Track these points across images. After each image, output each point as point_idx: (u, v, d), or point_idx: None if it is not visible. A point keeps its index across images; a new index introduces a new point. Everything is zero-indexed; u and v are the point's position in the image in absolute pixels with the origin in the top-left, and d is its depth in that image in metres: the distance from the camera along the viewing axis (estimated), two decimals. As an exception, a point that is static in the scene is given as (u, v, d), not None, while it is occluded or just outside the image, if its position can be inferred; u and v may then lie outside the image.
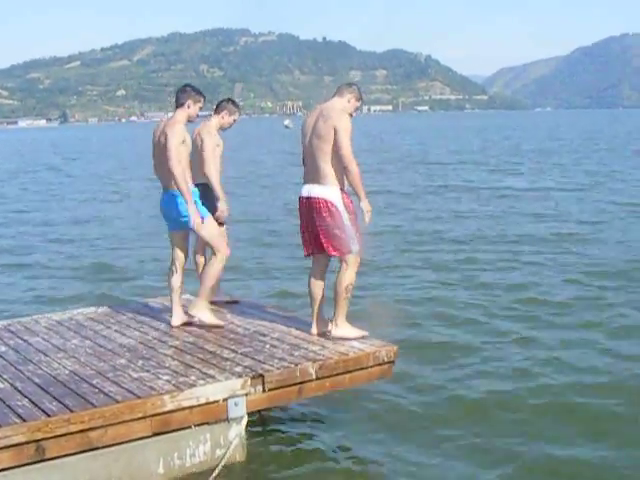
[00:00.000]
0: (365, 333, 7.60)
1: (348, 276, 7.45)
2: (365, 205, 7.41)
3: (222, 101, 9.09)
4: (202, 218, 7.86)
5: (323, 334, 7.63)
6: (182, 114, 7.99)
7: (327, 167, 7.32)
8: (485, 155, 50.13)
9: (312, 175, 7.46)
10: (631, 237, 17.91)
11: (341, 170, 7.33)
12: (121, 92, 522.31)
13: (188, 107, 8.00)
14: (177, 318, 8.36)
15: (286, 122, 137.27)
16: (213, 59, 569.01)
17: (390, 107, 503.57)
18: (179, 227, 8.14)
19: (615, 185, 29.56)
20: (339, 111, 7.40)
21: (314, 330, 7.72)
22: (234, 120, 8.96)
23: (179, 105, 8.01)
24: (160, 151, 7.91)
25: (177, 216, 8.03)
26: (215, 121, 8.83)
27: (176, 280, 8.30)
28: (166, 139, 7.74)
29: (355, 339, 7.46)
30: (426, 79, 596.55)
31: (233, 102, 9.09)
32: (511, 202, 25.01)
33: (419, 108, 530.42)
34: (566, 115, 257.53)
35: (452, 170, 38.53)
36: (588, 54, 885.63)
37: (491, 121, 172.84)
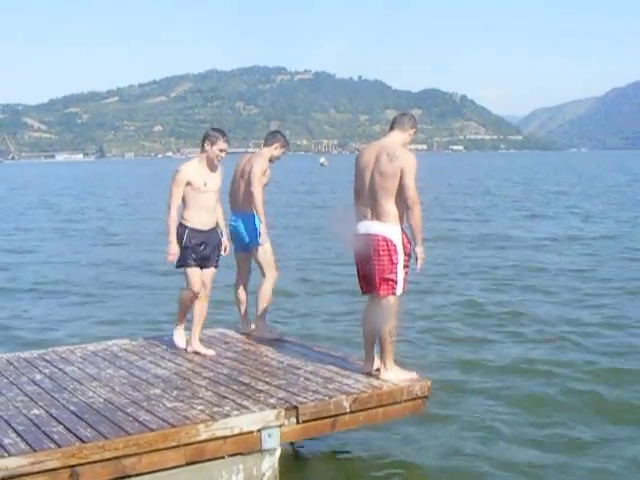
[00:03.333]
0: (414, 375, 7.49)
1: (389, 318, 7.34)
2: (419, 250, 7.29)
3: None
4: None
5: (369, 373, 7.52)
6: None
7: (389, 205, 7.19)
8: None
9: (371, 212, 7.31)
10: None
11: (402, 210, 7.21)
12: (158, 128, 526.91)
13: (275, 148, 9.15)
14: (244, 327, 9.49)
15: (321, 160, 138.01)
16: (249, 96, 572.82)
17: (425, 146, 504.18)
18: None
19: None
20: (405, 151, 7.28)
21: (366, 369, 7.61)
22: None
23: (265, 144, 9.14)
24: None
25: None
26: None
27: (242, 294, 9.42)
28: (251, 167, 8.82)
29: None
30: (461, 119, 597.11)
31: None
32: None
33: (454, 147, 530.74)
34: (604, 156, 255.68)
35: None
36: (623, 95, 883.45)
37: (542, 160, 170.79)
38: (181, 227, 8.38)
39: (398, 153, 7.18)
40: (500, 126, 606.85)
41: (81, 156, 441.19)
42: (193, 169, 8.35)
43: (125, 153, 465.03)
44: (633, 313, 13.95)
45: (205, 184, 8.30)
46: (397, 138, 7.43)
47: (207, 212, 8.42)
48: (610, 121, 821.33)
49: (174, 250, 8.37)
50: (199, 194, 8.32)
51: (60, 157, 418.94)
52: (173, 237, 8.34)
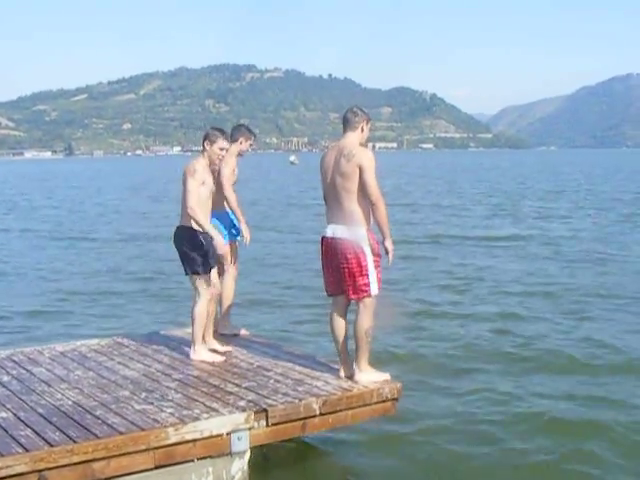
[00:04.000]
0: (388, 376, 7.51)
1: (367, 320, 7.34)
2: (389, 244, 7.30)
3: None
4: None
5: (351, 377, 7.50)
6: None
7: (353, 206, 7.20)
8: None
9: (337, 215, 7.33)
10: None
11: (367, 208, 7.21)
12: (127, 125, 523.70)
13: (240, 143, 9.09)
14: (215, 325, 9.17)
15: (291, 158, 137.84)
16: (219, 94, 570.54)
17: (395, 144, 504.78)
18: None
19: None
20: (361, 148, 7.30)
21: (342, 373, 7.58)
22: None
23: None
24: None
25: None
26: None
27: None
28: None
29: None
30: (431, 117, 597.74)
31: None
32: None
33: (423, 146, 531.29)
34: (572, 154, 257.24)
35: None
36: (593, 93, 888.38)
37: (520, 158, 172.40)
38: (194, 232, 8.18)
39: (354, 152, 7.20)
40: (470, 124, 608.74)
41: (49, 154, 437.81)
42: (205, 169, 8.26)
43: (94, 151, 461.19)
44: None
45: (211, 185, 8.32)
46: (352, 138, 7.41)
47: (209, 213, 8.37)
48: (579, 120, 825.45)
49: (223, 240, 8.37)
50: (209, 195, 8.27)
51: (28, 154, 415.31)
52: (215, 232, 8.26)
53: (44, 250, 24.71)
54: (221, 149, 8.32)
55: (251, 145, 9.22)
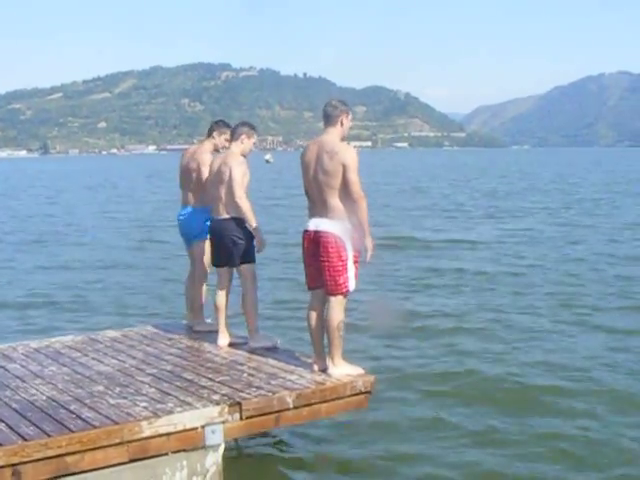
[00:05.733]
0: (361, 370, 7.53)
1: (338, 314, 7.36)
2: (369, 242, 7.29)
3: (238, 126, 8.66)
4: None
5: (324, 370, 7.52)
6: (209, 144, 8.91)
7: (335, 202, 7.23)
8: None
9: (319, 209, 7.35)
10: None
11: (349, 205, 7.22)
12: (102, 124, 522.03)
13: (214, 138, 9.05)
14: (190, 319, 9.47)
15: (267, 157, 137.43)
16: (194, 93, 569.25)
17: (369, 143, 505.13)
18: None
19: None
20: (344, 146, 7.31)
21: (315, 367, 7.61)
22: (253, 143, 8.67)
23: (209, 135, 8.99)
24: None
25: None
26: (234, 147, 8.49)
27: (191, 288, 9.40)
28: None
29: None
30: (405, 116, 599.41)
31: (249, 124, 8.76)
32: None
33: (398, 144, 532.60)
34: (545, 154, 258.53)
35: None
36: (565, 93, 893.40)
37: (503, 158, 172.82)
38: (244, 222, 8.23)
39: (337, 149, 7.22)
40: (444, 123, 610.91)
41: (24, 152, 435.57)
42: None
43: (69, 149, 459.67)
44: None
45: None
46: (333, 134, 7.41)
47: None
48: (552, 119, 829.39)
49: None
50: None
51: (3, 153, 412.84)
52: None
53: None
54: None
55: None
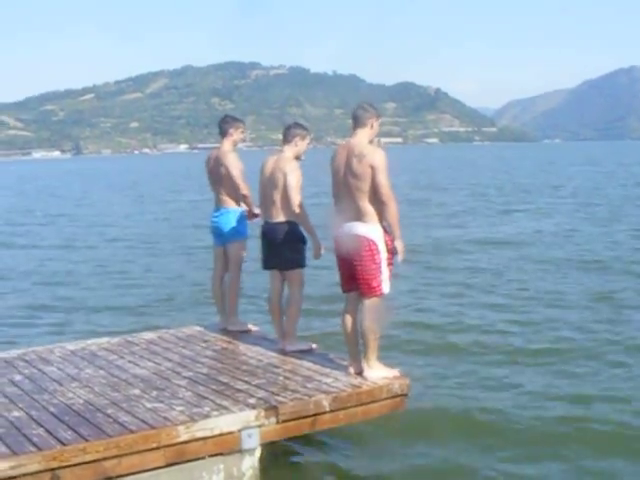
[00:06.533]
0: (397, 373, 7.51)
1: (374, 316, 7.33)
2: (399, 244, 7.30)
3: (290, 127, 8.55)
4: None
5: (360, 373, 7.50)
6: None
7: (366, 205, 7.20)
8: None
9: (351, 213, 7.30)
10: None
11: (379, 207, 7.21)
12: (134, 124, 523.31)
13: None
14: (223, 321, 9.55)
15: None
16: (225, 92, 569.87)
17: (400, 139, 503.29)
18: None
19: None
20: (372, 148, 7.28)
21: (351, 369, 7.59)
22: (307, 144, 8.57)
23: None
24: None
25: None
26: (289, 152, 8.37)
27: (219, 288, 9.45)
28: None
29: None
30: (435, 112, 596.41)
31: (301, 126, 8.72)
32: None
33: (428, 140, 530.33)
34: (578, 147, 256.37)
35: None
36: (595, 87, 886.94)
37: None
38: (298, 226, 8.26)
39: (365, 152, 7.19)
40: (474, 118, 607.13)
41: (58, 153, 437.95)
42: None
43: (102, 150, 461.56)
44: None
45: None
46: (361, 136, 7.39)
47: None
48: (582, 113, 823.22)
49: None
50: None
51: (37, 154, 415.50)
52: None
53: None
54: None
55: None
